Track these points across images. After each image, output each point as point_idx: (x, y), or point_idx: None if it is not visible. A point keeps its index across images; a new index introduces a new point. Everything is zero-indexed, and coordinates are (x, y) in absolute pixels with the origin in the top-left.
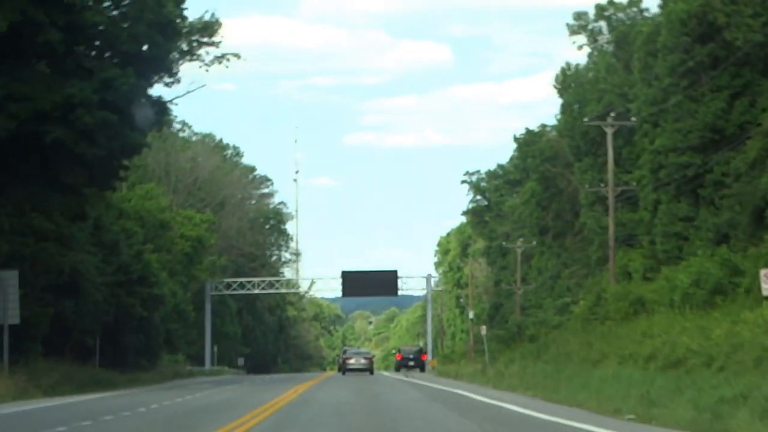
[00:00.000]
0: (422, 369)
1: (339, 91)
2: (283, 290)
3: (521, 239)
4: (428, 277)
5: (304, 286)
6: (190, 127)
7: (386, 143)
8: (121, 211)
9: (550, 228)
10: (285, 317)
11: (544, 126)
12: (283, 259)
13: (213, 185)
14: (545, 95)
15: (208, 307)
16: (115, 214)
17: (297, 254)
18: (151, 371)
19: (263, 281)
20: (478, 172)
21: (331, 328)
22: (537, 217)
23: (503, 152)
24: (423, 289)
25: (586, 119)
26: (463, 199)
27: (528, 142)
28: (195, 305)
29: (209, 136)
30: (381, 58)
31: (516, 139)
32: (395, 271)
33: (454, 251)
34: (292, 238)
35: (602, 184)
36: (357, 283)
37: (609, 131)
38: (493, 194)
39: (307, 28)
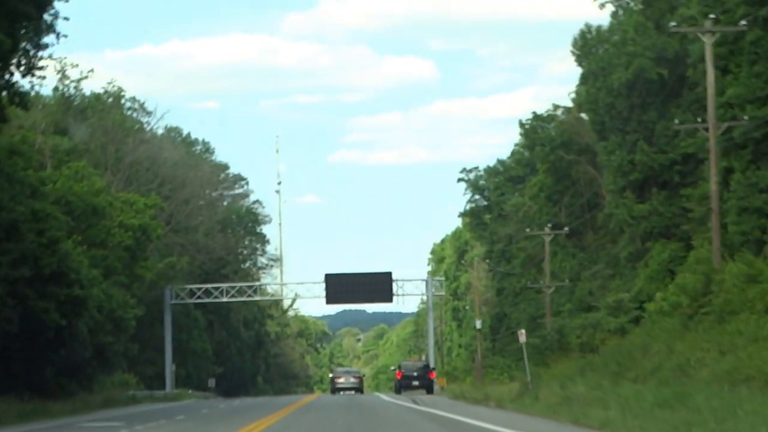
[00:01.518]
0: (429, 390)
1: (321, 108)
2: (258, 298)
3: (549, 225)
4: (428, 280)
5: (282, 293)
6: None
7: (370, 160)
8: (33, 189)
9: (563, 225)
10: (264, 332)
11: (555, 107)
12: (259, 265)
13: (176, 181)
14: (528, 110)
15: (168, 318)
16: (25, 193)
17: (275, 260)
18: (75, 397)
19: (233, 287)
20: (476, 168)
21: (318, 345)
22: (547, 214)
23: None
24: (422, 293)
25: (673, 24)
26: (456, 203)
27: (535, 128)
28: (152, 317)
29: (175, 130)
30: (364, 75)
31: (522, 125)
32: (389, 273)
33: (449, 259)
34: (269, 242)
35: (630, 161)
36: (344, 288)
37: (708, 41)
38: (493, 193)
39: (288, 46)
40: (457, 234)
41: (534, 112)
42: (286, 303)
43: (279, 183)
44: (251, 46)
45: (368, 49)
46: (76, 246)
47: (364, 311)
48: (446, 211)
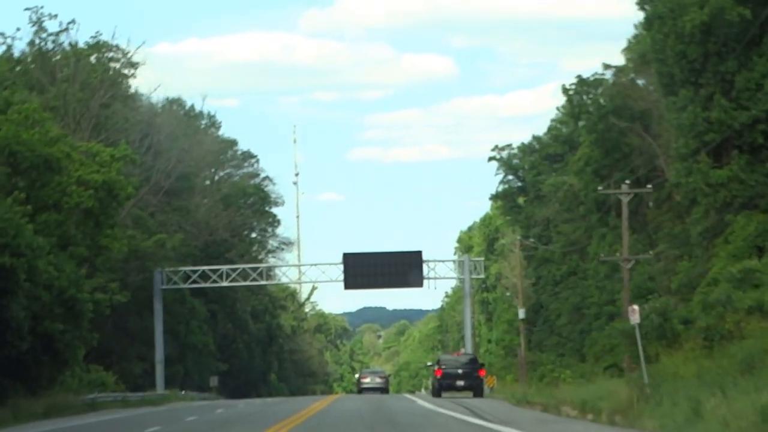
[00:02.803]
0: (478, 392)
1: (340, 106)
2: (264, 282)
3: (627, 182)
4: (465, 261)
5: (294, 277)
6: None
7: (389, 157)
8: None
9: (612, 204)
10: (276, 325)
11: (606, 66)
12: (269, 248)
13: (172, 153)
14: (548, 107)
15: (158, 306)
16: None
17: (288, 244)
18: (6, 404)
19: (235, 269)
20: (509, 146)
21: (338, 342)
22: (594, 191)
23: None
24: (456, 276)
25: None
26: (478, 198)
27: (581, 95)
28: (140, 305)
29: (177, 101)
30: (382, 72)
31: (565, 91)
32: (419, 253)
33: (478, 248)
34: (279, 222)
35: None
36: (365, 270)
37: None
38: (528, 173)
39: (307, 43)
40: (486, 220)
41: (579, 76)
42: (303, 294)
43: (296, 174)
44: (270, 44)
45: (387, 46)
46: (13, 205)
47: (385, 308)
48: (467, 207)
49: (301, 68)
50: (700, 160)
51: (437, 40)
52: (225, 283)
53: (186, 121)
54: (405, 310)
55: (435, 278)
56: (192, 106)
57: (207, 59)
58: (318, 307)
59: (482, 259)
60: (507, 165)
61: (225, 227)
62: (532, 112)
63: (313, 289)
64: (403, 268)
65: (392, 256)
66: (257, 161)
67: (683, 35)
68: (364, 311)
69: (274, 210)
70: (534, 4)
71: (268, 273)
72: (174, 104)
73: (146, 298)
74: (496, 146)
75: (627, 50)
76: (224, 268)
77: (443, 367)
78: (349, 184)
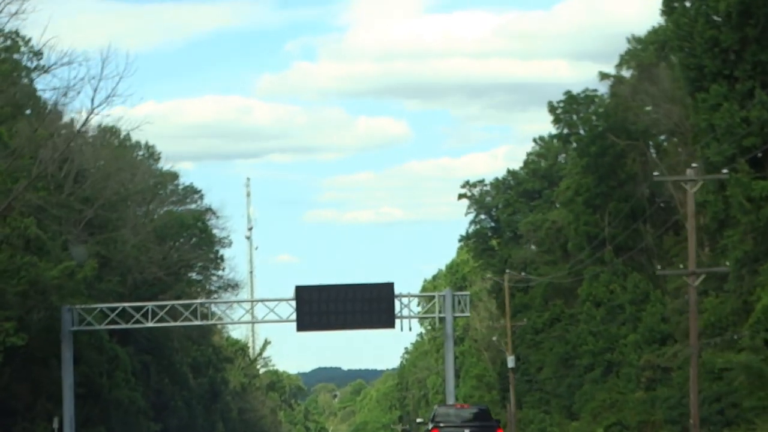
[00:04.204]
0: None
1: (296, 168)
2: (198, 322)
3: (694, 165)
4: (446, 295)
5: (233, 316)
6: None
7: (345, 219)
8: None
9: (607, 238)
10: (220, 380)
11: (602, 76)
12: (210, 288)
13: (96, 180)
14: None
15: (67, 353)
16: None
17: (233, 286)
18: None
19: (162, 307)
20: (481, 182)
21: (293, 401)
22: (586, 224)
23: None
24: (435, 314)
25: None
26: (439, 256)
27: (570, 114)
28: (46, 350)
29: (110, 130)
30: (338, 135)
31: (552, 109)
32: (390, 285)
33: (434, 307)
34: (223, 260)
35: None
36: (323, 308)
37: None
38: (502, 211)
39: (262, 106)
40: (452, 267)
41: (568, 92)
42: (254, 350)
43: (250, 229)
44: (226, 107)
45: (341, 109)
46: None
47: (340, 368)
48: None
49: (257, 131)
50: (739, 169)
51: (391, 103)
52: (150, 324)
53: (118, 150)
54: (361, 370)
55: (411, 317)
56: (128, 135)
57: (163, 121)
58: (271, 364)
59: (467, 293)
60: (479, 203)
61: (158, 264)
62: (486, 174)
63: (266, 343)
64: (370, 304)
65: (357, 290)
66: (201, 197)
67: (715, 18)
68: (319, 371)
69: (222, 253)
70: (486, 68)
71: (204, 312)
72: (107, 133)
73: (54, 342)
74: (467, 182)
75: (626, 60)
76: (149, 305)
77: (442, 425)
78: (305, 246)
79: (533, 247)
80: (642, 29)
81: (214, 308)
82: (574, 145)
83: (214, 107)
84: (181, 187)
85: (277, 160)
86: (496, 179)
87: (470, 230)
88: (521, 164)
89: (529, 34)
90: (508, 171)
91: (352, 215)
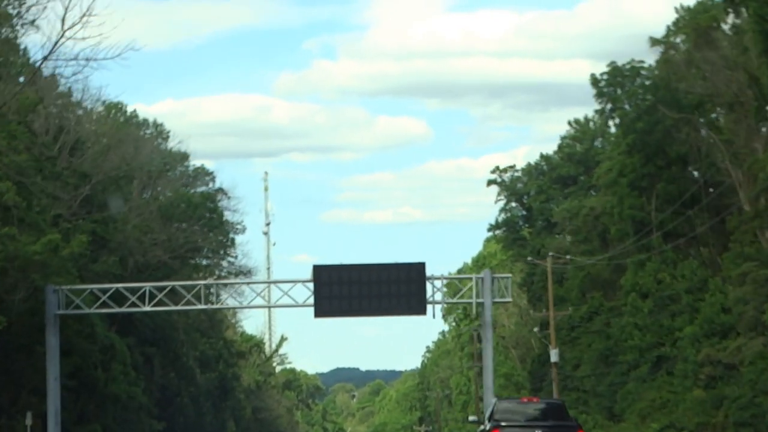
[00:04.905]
0: None
1: (315, 167)
2: (201, 306)
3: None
4: (485, 277)
5: (243, 299)
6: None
7: (364, 219)
8: None
9: (654, 224)
10: (231, 375)
11: (654, 42)
12: (219, 273)
13: (98, 157)
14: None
15: (52, 339)
16: None
17: (245, 273)
18: None
19: (161, 288)
20: (512, 167)
21: (310, 401)
22: (630, 207)
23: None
24: (472, 299)
25: None
26: (474, 230)
27: (614, 87)
28: (31, 337)
29: (116, 106)
30: (358, 134)
31: (595, 82)
32: (422, 265)
33: (470, 292)
34: (232, 242)
35: None
36: (344, 291)
37: None
38: (535, 199)
39: (282, 105)
40: (480, 260)
41: (613, 62)
42: (271, 344)
43: (268, 224)
44: (245, 105)
45: (362, 108)
46: None
47: (358, 369)
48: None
49: (276, 129)
50: None
51: (411, 102)
52: (147, 308)
53: (122, 126)
54: (380, 370)
55: (444, 302)
56: (134, 112)
57: (181, 119)
58: (288, 362)
59: (509, 275)
60: (509, 189)
61: (163, 247)
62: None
63: (282, 340)
64: (398, 287)
65: (382, 270)
66: (213, 179)
67: None
68: (337, 372)
69: (233, 237)
70: (507, 68)
71: (208, 296)
72: (113, 109)
73: (39, 327)
74: (497, 167)
75: (678, 28)
76: (147, 286)
77: (505, 424)
78: (322, 246)
79: (568, 237)
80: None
81: (222, 294)
82: (618, 121)
83: (233, 105)
84: (191, 168)
85: (296, 159)
86: (529, 164)
87: (500, 219)
88: (555, 148)
89: (551, 34)
90: (541, 155)
91: (370, 215)
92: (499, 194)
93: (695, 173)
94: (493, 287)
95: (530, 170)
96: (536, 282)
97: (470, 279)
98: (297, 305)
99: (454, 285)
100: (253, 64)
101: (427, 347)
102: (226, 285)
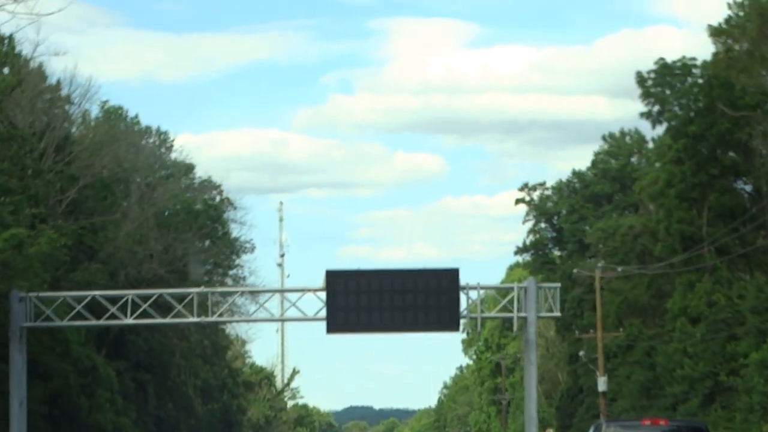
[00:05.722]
0: None
1: (332, 203)
2: (194, 319)
3: None
4: (528, 286)
5: (245, 311)
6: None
7: (380, 256)
8: None
9: (704, 238)
10: (236, 407)
11: (713, 31)
12: (222, 285)
13: (88, 159)
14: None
15: (18, 359)
16: None
17: (253, 292)
18: None
19: (146, 297)
20: (542, 185)
21: None
22: (679, 221)
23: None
24: (514, 311)
25: None
26: (489, 268)
27: (662, 87)
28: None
29: (114, 111)
30: (375, 170)
31: (641, 81)
32: (455, 271)
33: (491, 323)
34: (237, 254)
35: None
36: (362, 302)
37: None
38: (566, 219)
39: (299, 139)
40: (474, 323)
41: (661, 59)
42: (283, 377)
43: (282, 255)
44: (263, 140)
45: (379, 144)
46: None
47: (372, 407)
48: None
49: (293, 165)
50: None
51: (429, 138)
52: (130, 320)
53: (118, 129)
54: (394, 409)
55: (481, 316)
56: (136, 117)
57: (198, 153)
58: (300, 396)
59: (557, 285)
60: (539, 209)
61: (159, 259)
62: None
63: (294, 373)
64: (426, 298)
65: (408, 278)
66: (220, 193)
67: None
68: (351, 410)
69: (239, 247)
70: (524, 104)
71: (202, 307)
72: (112, 114)
73: (3, 341)
74: (525, 185)
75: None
76: (129, 294)
77: None
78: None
79: (602, 262)
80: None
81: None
82: (665, 125)
83: (250, 140)
84: (197, 180)
85: (312, 195)
86: (560, 181)
87: (528, 241)
88: (588, 164)
89: (568, 70)
90: (574, 172)
91: (386, 253)
92: (527, 214)
93: (747, 186)
94: (539, 299)
95: (561, 188)
96: (570, 304)
97: (512, 289)
98: (307, 319)
99: (490, 298)
100: (271, 98)
101: (444, 383)
102: (224, 294)
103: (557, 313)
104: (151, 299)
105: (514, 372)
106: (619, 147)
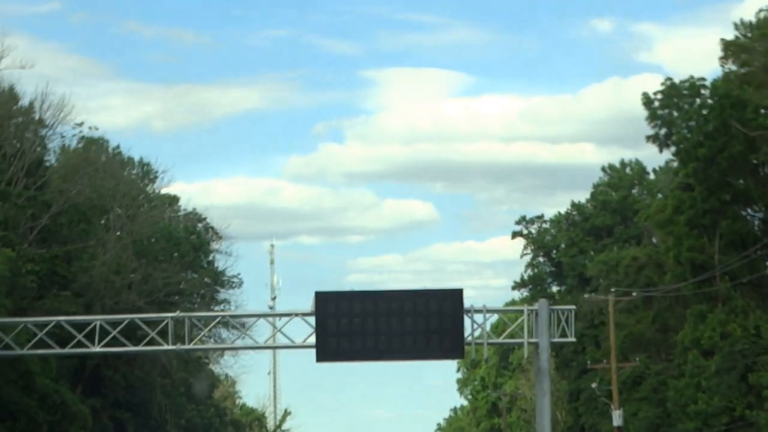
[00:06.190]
0: None
1: (324, 250)
2: (169, 347)
3: None
4: (539, 308)
5: (225, 335)
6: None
7: None
8: None
9: (717, 269)
10: None
11: (726, 45)
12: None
13: (61, 186)
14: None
15: None
16: None
17: (237, 327)
18: None
19: (116, 322)
20: (540, 218)
21: None
22: (690, 249)
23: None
24: (524, 337)
25: None
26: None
27: (670, 108)
28: None
29: (95, 142)
30: (365, 217)
31: (648, 102)
32: (459, 292)
33: (491, 358)
34: (221, 283)
35: None
36: (355, 326)
37: None
38: (565, 253)
39: (291, 187)
40: (499, 325)
41: (669, 80)
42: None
43: (273, 299)
44: (255, 188)
45: (369, 191)
46: None
47: None
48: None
49: (285, 212)
50: None
51: (418, 186)
52: (97, 348)
53: (96, 158)
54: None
55: (488, 342)
56: (117, 148)
57: (191, 202)
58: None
59: (572, 307)
60: (537, 243)
61: (137, 290)
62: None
63: (286, 414)
64: (427, 322)
65: (407, 299)
66: (204, 225)
67: None
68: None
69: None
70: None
71: (179, 334)
72: (93, 145)
73: None
74: (523, 218)
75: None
76: (97, 320)
77: None
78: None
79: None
80: None
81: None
82: (673, 150)
83: (242, 188)
84: (182, 212)
85: (304, 241)
86: (559, 214)
87: (526, 275)
88: (587, 196)
89: (555, 118)
90: (573, 204)
91: None
92: (525, 248)
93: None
94: (551, 323)
95: (560, 220)
96: (563, 347)
97: (521, 312)
98: (294, 346)
99: (469, 355)
100: (263, 147)
101: (438, 425)
102: (201, 318)
103: (572, 338)
104: (122, 325)
105: (511, 412)
106: (620, 178)
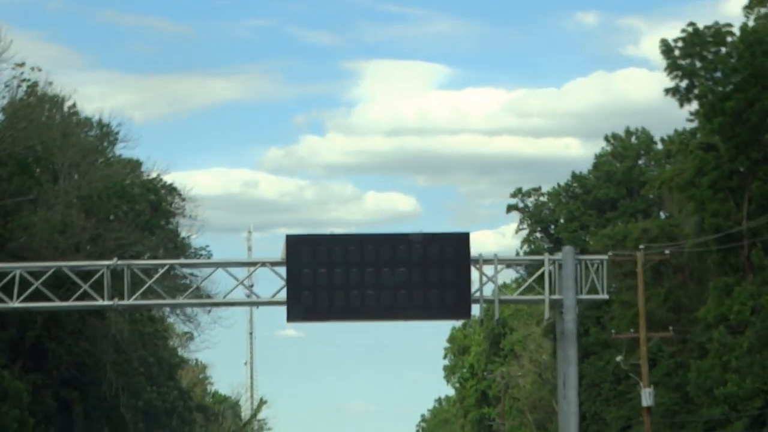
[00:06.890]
0: None
1: None
2: (106, 302)
3: None
4: (565, 254)
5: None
6: None
7: None
8: None
9: (743, 233)
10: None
11: None
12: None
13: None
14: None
15: None
16: None
17: (205, 296)
18: None
19: (36, 272)
20: (537, 190)
21: None
22: (713, 214)
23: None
24: (545, 293)
25: None
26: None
27: (692, 57)
28: None
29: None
30: (346, 210)
31: (667, 51)
32: (465, 236)
33: (477, 347)
34: (181, 246)
35: None
36: (341, 278)
37: None
38: (564, 227)
39: (270, 179)
40: (490, 311)
41: (692, 24)
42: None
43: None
44: (233, 180)
45: (350, 184)
46: None
47: None
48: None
49: (264, 204)
50: None
51: (400, 179)
52: (16, 303)
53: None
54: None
55: (502, 299)
56: (74, 106)
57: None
58: (268, 429)
59: (604, 257)
60: (533, 217)
61: (86, 251)
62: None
63: (261, 403)
64: (425, 272)
65: (399, 244)
66: (173, 192)
67: None
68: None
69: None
70: (495, 145)
71: (118, 279)
72: (47, 102)
73: None
74: (518, 190)
75: None
76: (17, 267)
77: None
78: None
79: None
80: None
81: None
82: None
83: (221, 180)
84: (147, 174)
85: (283, 233)
86: (558, 185)
87: (522, 252)
88: (590, 167)
89: (539, 112)
90: (574, 175)
91: None
92: (521, 222)
93: None
94: (578, 277)
95: (559, 193)
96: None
97: (541, 263)
98: (259, 302)
99: (458, 341)
100: (242, 138)
101: (422, 416)
102: (148, 268)
103: (604, 295)
104: (46, 275)
105: (501, 400)
106: (625, 148)
